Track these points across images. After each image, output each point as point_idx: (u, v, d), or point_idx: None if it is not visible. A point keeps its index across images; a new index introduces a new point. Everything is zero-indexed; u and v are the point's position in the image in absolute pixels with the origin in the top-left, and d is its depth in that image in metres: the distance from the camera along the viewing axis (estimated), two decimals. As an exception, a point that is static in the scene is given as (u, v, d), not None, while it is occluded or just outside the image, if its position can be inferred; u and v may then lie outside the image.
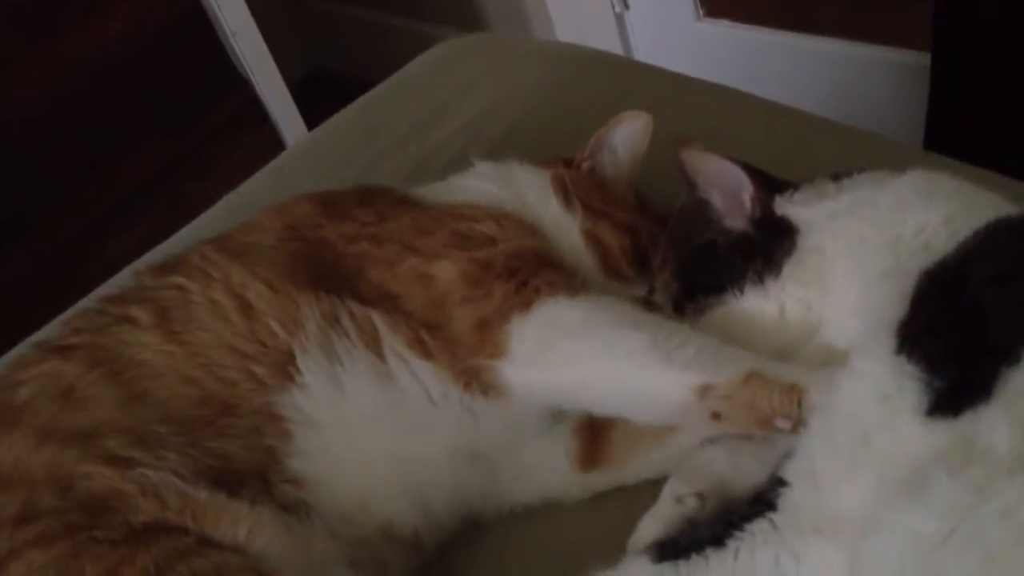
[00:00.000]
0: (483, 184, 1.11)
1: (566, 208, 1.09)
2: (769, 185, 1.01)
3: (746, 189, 1.00)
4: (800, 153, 1.22)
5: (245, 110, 2.51)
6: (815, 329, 0.97)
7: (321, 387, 0.92)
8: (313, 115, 1.60)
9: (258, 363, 0.92)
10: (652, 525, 0.92)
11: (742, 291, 0.98)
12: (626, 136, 1.13)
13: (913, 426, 0.79)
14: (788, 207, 1.00)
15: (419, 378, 0.94)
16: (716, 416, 0.88)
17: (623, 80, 1.46)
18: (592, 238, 1.08)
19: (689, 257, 1.05)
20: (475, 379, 0.94)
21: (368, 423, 0.93)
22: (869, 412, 0.81)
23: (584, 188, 1.10)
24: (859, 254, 0.94)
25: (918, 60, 1.93)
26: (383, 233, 1.01)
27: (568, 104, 1.38)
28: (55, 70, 2.14)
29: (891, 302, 0.87)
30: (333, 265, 0.99)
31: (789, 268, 0.97)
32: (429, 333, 0.95)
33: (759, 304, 0.98)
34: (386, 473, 0.94)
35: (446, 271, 0.97)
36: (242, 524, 0.81)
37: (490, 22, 2.70)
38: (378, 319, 0.95)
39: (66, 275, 1.91)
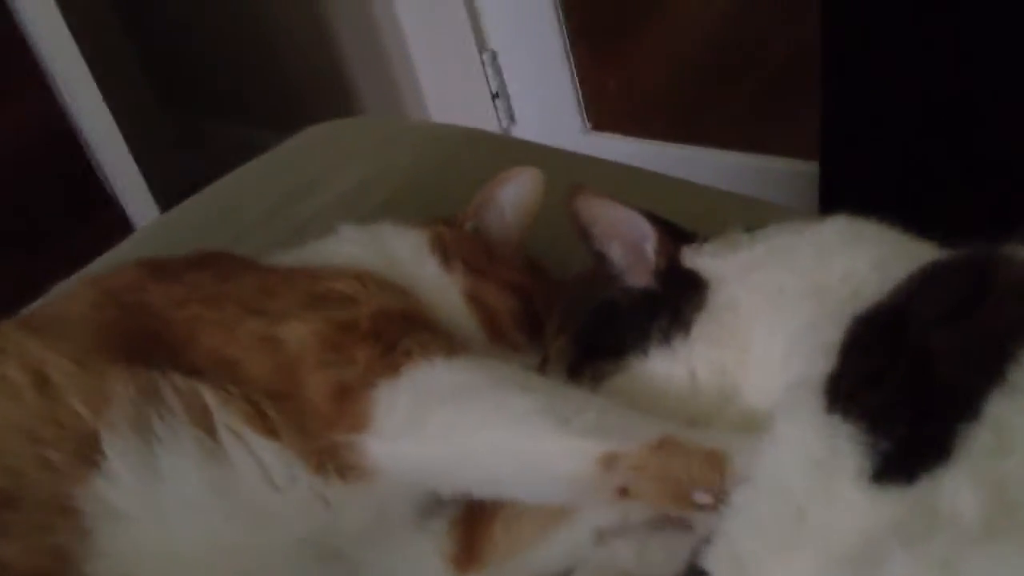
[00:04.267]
0: (346, 247, 0.99)
1: (445, 268, 0.96)
2: (675, 236, 0.91)
3: (649, 239, 0.90)
4: (698, 224, 1.12)
5: (115, 230, 2.36)
6: (731, 395, 0.84)
7: (131, 472, 0.77)
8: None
9: (54, 448, 0.77)
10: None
11: (646, 353, 0.86)
12: (514, 195, 1.02)
13: (857, 494, 0.67)
14: (697, 259, 0.89)
15: (258, 458, 0.79)
16: (623, 492, 0.74)
17: (504, 156, 1.36)
18: (475, 300, 0.95)
19: (586, 319, 0.93)
20: (331, 458, 0.80)
21: (190, 512, 0.78)
22: (801, 482, 0.69)
23: (466, 247, 0.99)
24: (779, 307, 0.83)
25: (808, 168, 1.95)
26: (221, 295, 0.87)
27: (447, 180, 1.28)
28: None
29: (817, 356, 0.75)
30: (155, 334, 0.85)
31: (699, 327, 0.85)
32: (274, 405, 0.80)
33: (666, 368, 0.85)
34: (212, 572, 0.78)
35: (297, 332, 0.82)
36: None
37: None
38: (208, 391, 0.80)
39: None
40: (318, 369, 0.81)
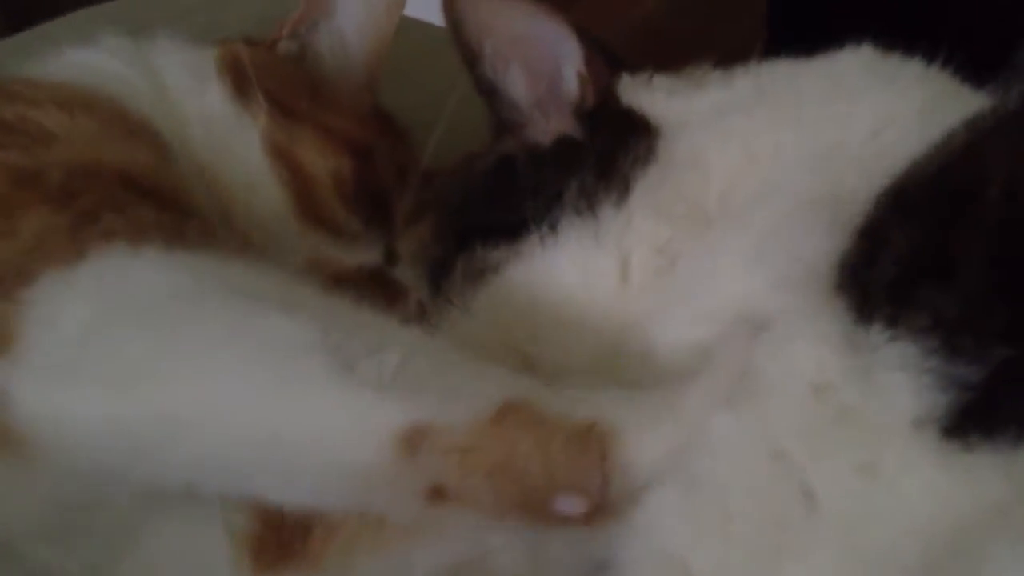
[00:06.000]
0: (101, 58, 0.65)
1: (238, 102, 0.64)
2: (611, 61, 0.62)
3: (571, 61, 0.60)
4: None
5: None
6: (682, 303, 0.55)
7: None
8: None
9: None
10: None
11: (555, 229, 0.57)
12: (360, 8, 0.69)
13: (921, 458, 0.41)
14: (643, 96, 0.60)
15: None
16: (438, 493, 0.44)
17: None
18: (282, 154, 0.63)
19: (466, 189, 0.63)
20: None
21: None
22: (805, 445, 0.42)
23: (275, 76, 0.65)
24: (773, 169, 0.54)
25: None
26: None
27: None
28: None
29: (833, 242, 0.47)
30: None
31: (643, 189, 0.56)
32: None
33: (584, 255, 0.56)
34: None
35: None
36: None
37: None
38: None
39: None
40: None
